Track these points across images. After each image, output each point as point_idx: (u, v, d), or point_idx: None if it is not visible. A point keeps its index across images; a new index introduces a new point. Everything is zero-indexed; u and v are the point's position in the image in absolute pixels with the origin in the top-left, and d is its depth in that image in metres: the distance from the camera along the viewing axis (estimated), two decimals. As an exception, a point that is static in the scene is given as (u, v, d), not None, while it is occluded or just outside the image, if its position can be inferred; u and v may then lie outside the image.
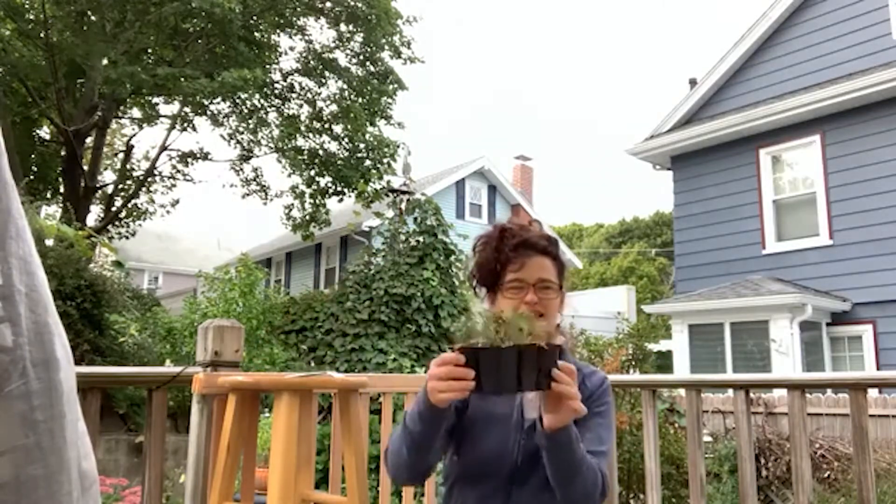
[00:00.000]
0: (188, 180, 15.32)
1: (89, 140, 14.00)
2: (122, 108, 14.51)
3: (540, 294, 1.55)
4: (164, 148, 14.39)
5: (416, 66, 13.87)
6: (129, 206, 15.05)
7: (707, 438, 6.62)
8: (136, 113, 15.22)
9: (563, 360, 1.31)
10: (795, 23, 10.56)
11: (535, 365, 1.26)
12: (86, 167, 13.66)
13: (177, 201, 16.21)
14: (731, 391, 3.98)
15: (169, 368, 2.56)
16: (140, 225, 15.96)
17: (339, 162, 13.40)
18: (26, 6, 11.98)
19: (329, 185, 13.73)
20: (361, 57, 13.64)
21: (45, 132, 15.03)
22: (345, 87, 13.63)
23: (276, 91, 14.02)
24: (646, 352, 8.41)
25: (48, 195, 15.36)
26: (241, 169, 14.75)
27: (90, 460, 0.53)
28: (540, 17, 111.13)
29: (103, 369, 3.55)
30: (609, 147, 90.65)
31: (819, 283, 9.53)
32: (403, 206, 8.83)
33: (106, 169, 17.06)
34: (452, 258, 8.30)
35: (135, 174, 15.48)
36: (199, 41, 12.68)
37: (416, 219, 8.45)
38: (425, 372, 1.47)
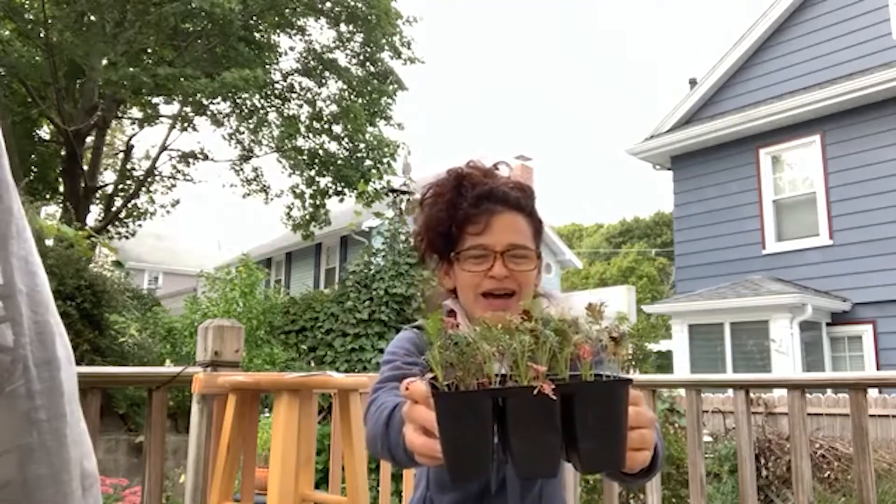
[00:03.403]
0: (188, 180, 15.34)
1: (89, 140, 14.01)
2: (122, 108, 14.53)
3: (511, 264, 1.17)
4: (164, 148, 14.40)
5: (417, 66, 13.89)
6: (129, 206, 15.06)
7: (707, 438, 6.62)
8: (136, 113, 15.23)
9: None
10: (795, 23, 10.56)
11: (609, 420, 0.74)
12: (86, 167, 13.67)
13: (177, 201, 16.23)
14: (731, 391, 3.98)
15: (169, 368, 2.56)
16: (140, 225, 15.97)
17: (339, 162, 13.42)
18: (26, 6, 11.99)
19: (329, 185, 13.75)
20: (361, 57, 13.65)
21: (45, 132, 15.03)
22: (345, 87, 13.65)
23: (276, 91, 14.03)
24: (646, 352, 8.42)
25: (48, 195, 15.37)
26: (242, 169, 14.78)
27: (91, 459, 0.53)
28: (540, 17, 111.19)
29: (103, 369, 3.55)
30: (609, 147, 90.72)
31: (819, 283, 9.53)
32: (403, 206, 8.83)
33: (106, 169, 17.08)
34: (453, 258, 8.30)
35: (135, 174, 15.49)
36: (199, 41, 12.69)
37: (415, 219, 8.44)
38: None
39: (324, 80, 13.87)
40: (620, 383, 0.75)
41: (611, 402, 0.74)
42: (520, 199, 1.22)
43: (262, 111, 13.99)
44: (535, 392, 0.70)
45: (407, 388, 0.81)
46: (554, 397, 0.70)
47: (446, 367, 0.74)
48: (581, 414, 0.73)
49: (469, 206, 1.19)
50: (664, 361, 10.82)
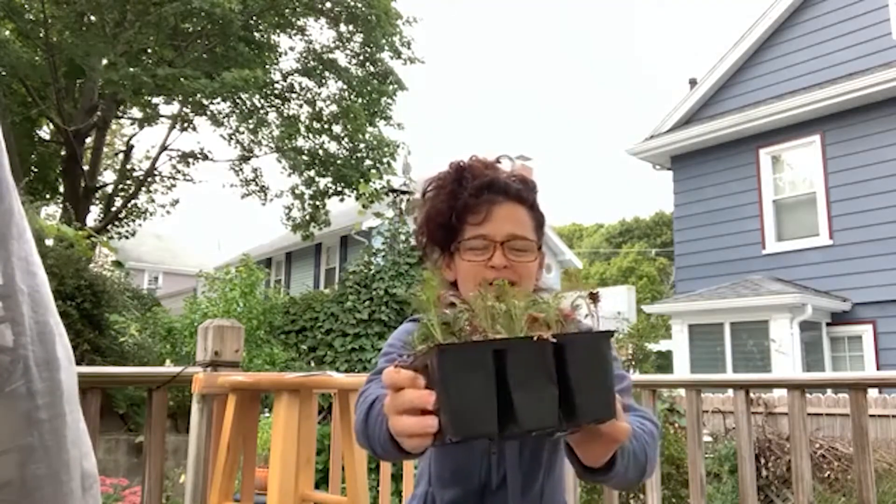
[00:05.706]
0: (188, 180, 15.34)
1: (89, 140, 14.02)
2: (122, 108, 14.53)
3: (511, 256, 1.16)
4: (164, 148, 14.40)
5: (417, 66, 13.88)
6: (129, 206, 15.06)
7: (707, 438, 6.61)
8: (136, 113, 15.23)
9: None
10: (795, 23, 10.56)
11: (597, 375, 0.78)
12: (86, 167, 13.67)
13: (177, 201, 16.23)
14: (731, 391, 3.98)
15: (169, 368, 2.56)
16: (140, 225, 15.97)
17: (338, 162, 13.42)
18: (26, 6, 11.98)
19: (329, 185, 13.75)
20: (361, 57, 13.66)
21: (45, 132, 15.04)
22: (345, 87, 13.65)
23: (276, 91, 14.03)
24: (646, 352, 8.42)
25: (48, 195, 15.37)
26: (241, 169, 14.77)
27: (90, 460, 0.53)
28: (540, 17, 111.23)
29: (103, 369, 3.55)
30: (609, 147, 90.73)
31: (819, 283, 9.53)
32: (403, 206, 8.82)
33: (106, 169, 17.08)
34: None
35: (135, 174, 15.49)
36: (199, 41, 12.69)
37: (416, 219, 8.42)
38: None
39: (324, 80, 13.87)
40: (603, 334, 0.82)
41: (596, 353, 0.80)
42: (521, 191, 1.21)
43: (261, 111, 13.98)
44: (535, 338, 0.76)
45: (388, 378, 0.82)
46: (553, 340, 0.76)
47: (443, 329, 0.78)
48: (571, 365, 0.77)
49: (469, 195, 1.18)
50: (664, 361, 10.81)
